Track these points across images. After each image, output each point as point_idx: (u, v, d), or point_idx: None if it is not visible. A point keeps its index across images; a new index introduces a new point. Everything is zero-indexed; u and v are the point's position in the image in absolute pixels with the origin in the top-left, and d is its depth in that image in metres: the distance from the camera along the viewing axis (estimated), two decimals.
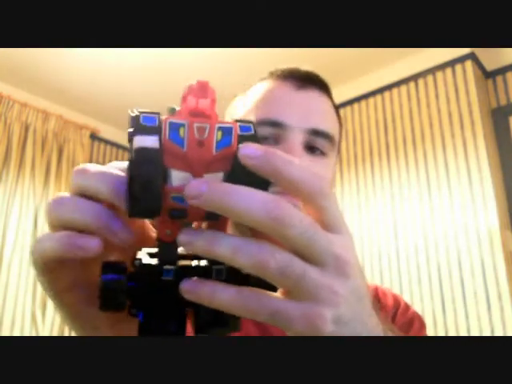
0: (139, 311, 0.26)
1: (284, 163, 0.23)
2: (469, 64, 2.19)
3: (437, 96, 2.25)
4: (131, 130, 0.24)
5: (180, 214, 0.24)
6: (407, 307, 0.63)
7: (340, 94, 2.57)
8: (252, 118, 0.54)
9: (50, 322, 2.41)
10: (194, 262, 0.27)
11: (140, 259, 0.26)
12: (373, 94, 2.48)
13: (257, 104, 0.55)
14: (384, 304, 0.61)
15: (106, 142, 3.04)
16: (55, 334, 2.42)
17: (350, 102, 2.56)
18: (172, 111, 0.25)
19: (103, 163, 2.95)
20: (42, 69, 2.45)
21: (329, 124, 0.56)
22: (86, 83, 2.59)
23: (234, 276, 0.26)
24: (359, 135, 2.49)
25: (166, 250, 0.26)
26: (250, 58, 2.30)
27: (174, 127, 0.23)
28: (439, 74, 2.27)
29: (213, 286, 0.24)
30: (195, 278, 0.25)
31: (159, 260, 0.26)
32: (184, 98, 0.24)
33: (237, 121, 0.25)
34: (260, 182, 0.24)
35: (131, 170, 0.22)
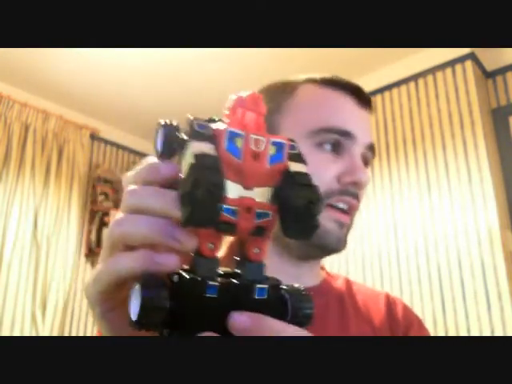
0: (173, 332, 0.24)
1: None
2: (469, 64, 2.19)
3: (437, 96, 2.25)
4: (185, 135, 0.24)
5: (229, 228, 0.23)
6: (420, 326, 0.61)
7: None
8: (314, 125, 0.54)
9: (50, 322, 2.41)
10: (236, 280, 0.25)
11: (179, 273, 0.24)
12: (373, 93, 2.48)
13: (321, 112, 0.56)
14: (395, 312, 0.61)
15: (106, 142, 3.04)
16: (55, 334, 2.42)
17: None
18: (212, 121, 0.24)
19: (103, 163, 2.93)
20: (42, 69, 2.45)
21: (373, 140, 0.60)
22: (86, 83, 2.59)
23: (275, 295, 0.25)
24: None
25: (207, 265, 0.24)
26: (251, 58, 2.30)
27: (232, 137, 0.23)
28: (439, 74, 2.27)
29: (273, 327, 0.24)
30: (249, 313, 0.24)
31: (201, 276, 0.24)
32: (233, 110, 0.24)
33: (288, 139, 0.25)
34: (315, 197, 0.23)
35: (194, 173, 0.21)
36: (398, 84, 2.40)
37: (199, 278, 0.24)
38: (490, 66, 2.31)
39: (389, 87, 2.43)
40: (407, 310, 0.62)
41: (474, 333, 1.86)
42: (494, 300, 1.85)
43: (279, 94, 0.59)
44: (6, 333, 2.25)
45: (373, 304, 0.61)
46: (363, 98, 0.59)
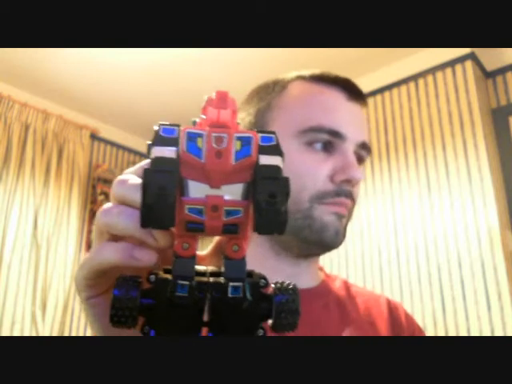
0: (151, 329, 0.25)
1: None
2: (469, 64, 2.19)
3: (437, 96, 2.25)
4: (150, 141, 0.24)
5: (197, 228, 0.24)
6: (421, 333, 0.61)
7: None
8: (305, 124, 0.54)
9: (50, 322, 2.41)
10: (212, 279, 0.26)
11: (155, 273, 0.26)
12: (373, 93, 2.48)
13: (310, 110, 0.55)
14: (398, 317, 0.60)
15: (106, 142, 3.04)
16: (55, 334, 2.42)
17: None
18: (193, 124, 0.24)
19: (103, 163, 2.93)
20: (42, 69, 2.45)
21: (368, 136, 0.59)
22: (86, 83, 2.59)
23: (252, 293, 0.25)
24: None
25: (182, 265, 0.25)
26: (251, 58, 2.30)
27: (192, 137, 0.23)
28: (439, 74, 2.27)
29: None
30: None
31: (174, 275, 0.25)
32: (204, 110, 0.24)
33: (258, 131, 0.24)
34: (280, 189, 0.23)
35: (145, 178, 0.22)
36: (398, 84, 2.40)
37: (170, 278, 0.25)
38: (489, 66, 2.31)
39: (389, 87, 2.43)
40: (409, 316, 0.62)
41: (474, 333, 1.86)
42: (494, 300, 1.85)
43: (269, 92, 0.59)
44: (5, 333, 2.25)
45: (374, 307, 0.60)
46: (354, 92, 0.57)
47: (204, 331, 0.26)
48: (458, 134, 2.13)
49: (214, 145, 0.23)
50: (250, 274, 0.27)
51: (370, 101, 2.49)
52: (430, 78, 2.30)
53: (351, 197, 0.55)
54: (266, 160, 0.24)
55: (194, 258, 0.25)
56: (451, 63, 2.24)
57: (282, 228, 0.23)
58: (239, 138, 0.23)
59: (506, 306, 1.82)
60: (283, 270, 0.55)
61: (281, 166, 0.24)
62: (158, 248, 0.26)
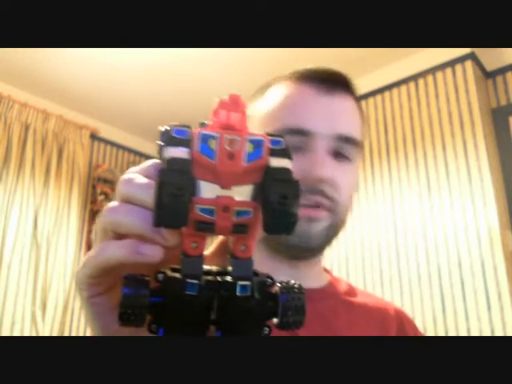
0: (159, 328, 0.25)
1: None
2: (469, 64, 2.19)
3: (437, 96, 2.25)
4: (162, 142, 0.24)
5: (207, 227, 0.24)
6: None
7: None
8: (273, 127, 0.52)
9: (50, 322, 2.41)
10: (219, 278, 0.26)
11: (164, 272, 0.26)
12: (373, 94, 2.48)
13: (277, 111, 0.53)
14: (405, 327, 0.58)
15: (106, 142, 3.04)
16: (55, 334, 2.42)
17: None
18: (202, 125, 0.25)
19: (103, 163, 2.93)
20: (42, 69, 2.45)
21: (354, 128, 0.55)
22: (86, 83, 2.59)
23: (259, 292, 0.26)
24: None
25: (191, 264, 0.25)
26: (250, 58, 2.30)
27: (205, 139, 0.23)
28: (439, 74, 2.27)
29: None
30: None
31: (183, 274, 0.25)
32: (215, 112, 0.24)
33: (268, 134, 0.25)
34: (291, 191, 0.24)
35: (161, 177, 0.22)
36: (398, 84, 2.40)
37: (179, 277, 0.25)
38: (489, 66, 2.31)
39: (389, 87, 2.43)
40: (415, 327, 0.61)
41: (474, 333, 1.86)
42: (494, 300, 1.85)
43: (257, 95, 0.58)
44: (5, 333, 2.25)
45: (382, 312, 0.59)
46: (329, 85, 0.54)
47: (211, 330, 0.26)
48: (458, 134, 2.13)
49: (227, 146, 0.23)
50: (256, 273, 0.27)
51: (370, 101, 2.49)
52: (429, 78, 2.30)
53: (325, 196, 0.51)
54: (276, 162, 0.24)
55: (202, 257, 0.25)
56: (451, 63, 2.23)
57: (291, 229, 0.24)
58: (251, 141, 0.24)
59: (505, 305, 1.82)
60: (284, 273, 0.54)
61: (291, 168, 0.25)
62: (166, 247, 0.26)
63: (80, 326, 2.63)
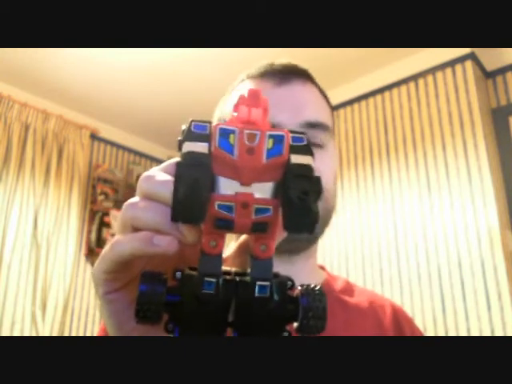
0: (176, 327, 0.25)
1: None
2: (469, 64, 2.19)
3: (437, 96, 2.25)
4: (182, 138, 0.24)
5: (226, 225, 0.23)
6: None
7: (340, 94, 2.56)
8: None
9: (50, 322, 2.41)
10: (238, 278, 0.25)
11: (182, 270, 0.25)
12: (373, 94, 2.48)
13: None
14: (401, 324, 0.57)
15: (106, 142, 3.04)
16: (55, 334, 2.42)
17: (350, 102, 2.56)
18: (195, 123, 0.24)
19: (103, 163, 2.93)
20: (42, 69, 2.45)
21: (321, 113, 0.54)
22: (86, 83, 2.59)
23: (279, 294, 0.25)
24: (359, 135, 2.49)
25: (209, 263, 0.24)
26: (250, 58, 2.30)
27: (225, 134, 0.23)
28: (439, 74, 2.27)
29: None
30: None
31: (201, 273, 0.24)
32: (236, 107, 0.24)
33: (290, 131, 0.24)
34: (312, 188, 0.23)
35: (178, 171, 0.22)
36: (398, 84, 2.40)
37: (196, 274, 0.24)
38: (489, 66, 2.31)
39: (389, 87, 2.43)
40: (411, 321, 0.60)
41: (474, 333, 1.86)
42: (494, 300, 1.85)
43: (226, 96, 0.59)
44: (5, 333, 2.25)
45: (379, 310, 0.58)
46: (281, 73, 0.54)
47: (228, 331, 0.26)
48: (458, 134, 2.13)
49: (247, 142, 0.23)
50: (276, 275, 0.26)
51: (370, 101, 2.49)
52: (429, 78, 2.29)
53: None
54: (297, 159, 0.24)
55: (220, 256, 0.25)
56: (451, 63, 2.23)
57: (313, 227, 0.23)
58: (271, 136, 0.23)
59: (505, 305, 1.82)
60: (278, 269, 0.53)
61: (312, 165, 0.24)
62: (185, 243, 0.25)
63: (80, 326, 2.63)
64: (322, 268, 0.62)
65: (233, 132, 0.23)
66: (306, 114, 0.52)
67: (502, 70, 2.28)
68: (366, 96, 2.51)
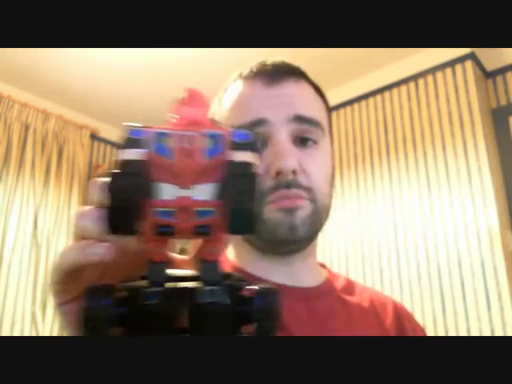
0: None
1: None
2: (469, 64, 2.19)
3: (437, 96, 2.25)
4: (119, 145, 0.23)
5: (166, 231, 0.22)
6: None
7: (340, 94, 2.56)
8: (229, 125, 0.51)
9: (50, 322, 2.41)
10: (187, 284, 0.25)
11: (125, 282, 0.25)
12: (373, 94, 2.48)
13: (232, 111, 0.53)
14: (403, 321, 0.57)
15: (106, 142, 3.04)
16: (55, 334, 2.42)
17: (350, 102, 2.56)
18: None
19: (103, 163, 2.92)
20: (42, 69, 2.45)
21: (313, 109, 0.54)
22: (86, 83, 2.59)
23: (230, 296, 0.24)
24: (359, 135, 2.49)
25: (155, 271, 0.24)
26: (250, 58, 2.30)
27: (161, 138, 0.22)
28: (439, 74, 2.27)
29: None
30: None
31: (148, 282, 0.24)
32: (176, 109, 0.23)
33: (234, 128, 0.24)
34: (246, 186, 0.22)
35: (110, 182, 0.22)
36: (398, 84, 2.40)
37: (141, 284, 0.24)
38: (489, 66, 2.31)
39: (389, 87, 2.43)
40: (414, 321, 0.60)
41: (474, 333, 1.86)
42: (494, 300, 1.85)
43: (219, 97, 0.59)
44: (5, 333, 2.25)
45: (380, 308, 0.58)
46: (272, 73, 0.54)
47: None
48: (458, 134, 2.13)
49: (184, 144, 0.22)
50: (228, 276, 0.26)
51: (370, 101, 2.49)
52: (429, 78, 2.29)
53: (296, 186, 0.50)
54: (237, 157, 0.23)
55: (165, 263, 0.24)
56: (451, 63, 2.23)
57: (252, 227, 0.22)
58: (210, 136, 0.22)
59: (505, 306, 1.82)
60: (278, 270, 0.53)
61: (251, 161, 0.23)
62: (128, 251, 0.25)
63: None
64: (323, 266, 0.61)
65: (170, 135, 0.22)
66: (296, 109, 0.52)
67: (502, 70, 2.28)
68: (365, 96, 2.51)
